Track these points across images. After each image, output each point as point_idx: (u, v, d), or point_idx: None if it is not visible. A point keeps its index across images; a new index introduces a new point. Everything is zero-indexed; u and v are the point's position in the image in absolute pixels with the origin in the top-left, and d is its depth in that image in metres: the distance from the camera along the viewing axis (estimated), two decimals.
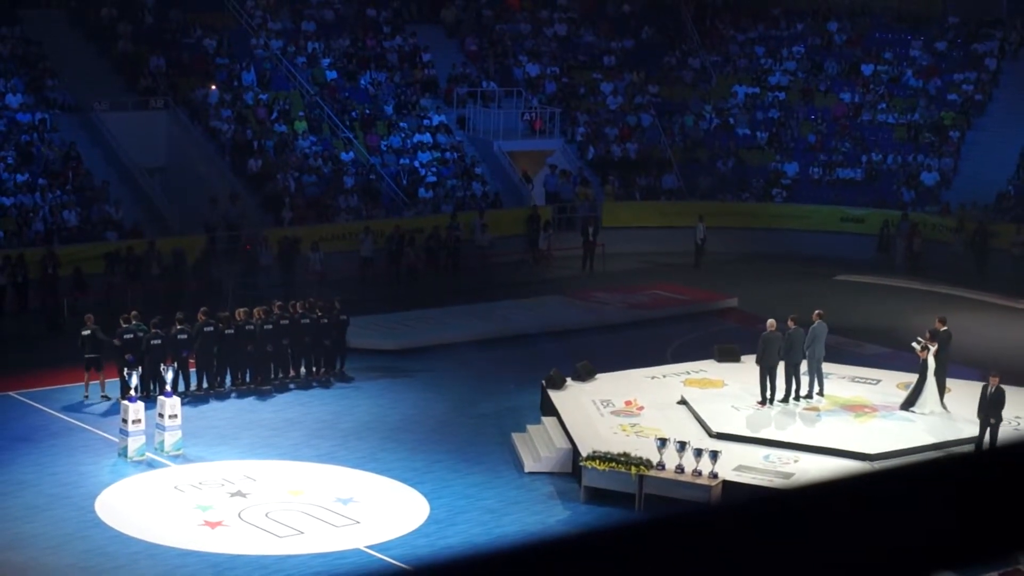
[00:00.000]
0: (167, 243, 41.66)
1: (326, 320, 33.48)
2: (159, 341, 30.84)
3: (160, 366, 29.50)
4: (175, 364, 30.29)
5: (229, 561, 22.73)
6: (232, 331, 32.02)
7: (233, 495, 25.55)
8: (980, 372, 33.03)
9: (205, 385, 31.94)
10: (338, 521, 24.55)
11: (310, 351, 33.39)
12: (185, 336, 31.37)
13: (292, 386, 32.83)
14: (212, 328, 31.78)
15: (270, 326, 32.47)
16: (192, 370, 31.86)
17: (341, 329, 33.92)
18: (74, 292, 38.35)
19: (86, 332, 31.35)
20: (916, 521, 2.25)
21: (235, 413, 30.84)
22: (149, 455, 27.33)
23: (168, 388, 28.52)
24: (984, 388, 27.25)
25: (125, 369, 29.53)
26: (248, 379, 32.46)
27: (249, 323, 32.36)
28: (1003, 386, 26.99)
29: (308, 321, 33.12)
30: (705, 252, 48.62)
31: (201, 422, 29.58)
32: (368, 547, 23.52)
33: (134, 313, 31.76)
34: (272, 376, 32.70)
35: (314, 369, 33.44)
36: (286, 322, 32.74)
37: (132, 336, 30.76)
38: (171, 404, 27.85)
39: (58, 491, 25.58)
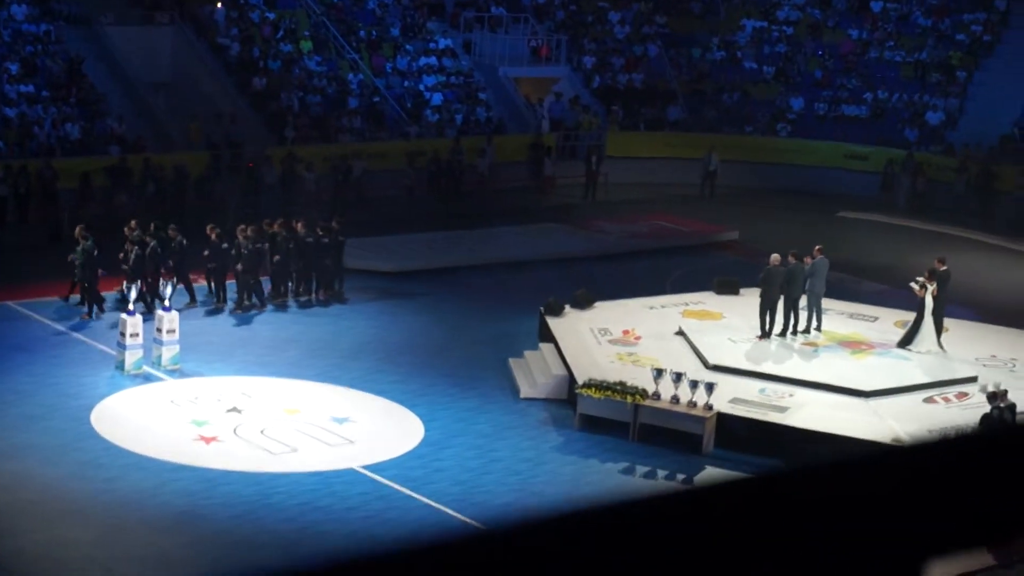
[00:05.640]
0: (169, 159, 41.54)
1: (326, 240, 33.41)
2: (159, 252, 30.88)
3: (160, 281, 29.45)
4: (174, 279, 30.23)
5: (223, 476, 22.84)
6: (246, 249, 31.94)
7: (229, 411, 25.63)
8: (977, 312, 33.14)
9: (213, 299, 32.01)
10: (333, 440, 24.66)
11: (310, 270, 33.36)
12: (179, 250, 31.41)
13: (291, 305, 32.88)
14: (227, 245, 31.76)
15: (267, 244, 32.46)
16: (195, 284, 31.91)
17: (339, 250, 33.87)
18: (75, 205, 38.29)
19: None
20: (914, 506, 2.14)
21: (233, 330, 30.91)
22: (146, 369, 27.41)
23: (167, 303, 28.42)
24: None
25: (124, 282, 29.56)
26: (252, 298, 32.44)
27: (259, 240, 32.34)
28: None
29: (312, 240, 33.07)
30: (717, 183, 48.61)
31: (199, 338, 29.57)
32: (362, 467, 23.62)
33: (133, 223, 31.79)
34: (274, 295, 32.72)
35: (313, 289, 33.43)
36: (289, 242, 32.72)
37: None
38: (169, 319, 27.85)
39: (55, 402, 25.67)
